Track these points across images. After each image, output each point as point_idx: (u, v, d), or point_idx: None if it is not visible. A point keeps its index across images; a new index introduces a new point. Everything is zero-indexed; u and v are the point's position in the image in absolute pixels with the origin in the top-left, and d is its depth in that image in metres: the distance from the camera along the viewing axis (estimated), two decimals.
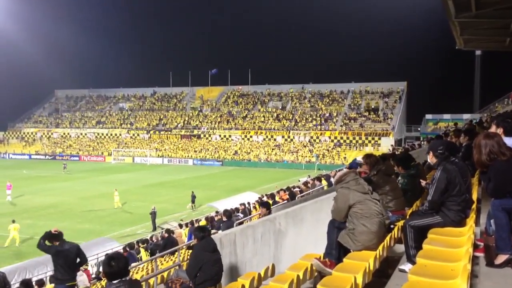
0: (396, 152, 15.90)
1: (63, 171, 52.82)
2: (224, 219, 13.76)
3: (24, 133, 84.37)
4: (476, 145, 4.21)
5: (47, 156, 73.13)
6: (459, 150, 7.12)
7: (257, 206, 19.05)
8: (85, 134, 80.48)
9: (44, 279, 15.05)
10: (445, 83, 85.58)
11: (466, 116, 54.25)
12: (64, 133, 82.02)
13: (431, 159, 5.14)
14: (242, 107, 77.59)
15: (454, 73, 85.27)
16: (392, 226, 5.94)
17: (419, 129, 64.84)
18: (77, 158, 70.70)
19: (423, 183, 6.13)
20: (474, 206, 5.08)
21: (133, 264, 12.96)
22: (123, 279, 3.59)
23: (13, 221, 23.69)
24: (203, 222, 19.32)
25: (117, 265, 3.59)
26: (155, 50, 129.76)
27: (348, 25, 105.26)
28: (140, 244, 16.83)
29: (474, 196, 5.45)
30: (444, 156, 5.00)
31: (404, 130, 66.75)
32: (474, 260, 4.10)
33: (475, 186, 5.95)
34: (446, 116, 64.81)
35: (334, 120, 68.91)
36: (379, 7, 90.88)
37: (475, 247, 4.33)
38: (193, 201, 32.00)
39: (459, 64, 73.93)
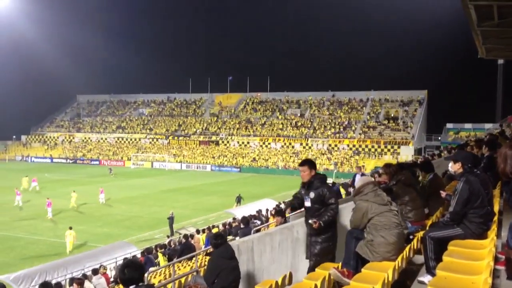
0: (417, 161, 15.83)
1: (110, 175, 54.10)
2: (242, 226, 13.79)
3: (46, 137, 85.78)
4: (501, 155, 4.14)
5: (68, 160, 74.17)
6: (480, 162, 7.04)
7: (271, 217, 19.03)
8: (106, 138, 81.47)
9: (64, 281, 15.27)
10: (466, 92, 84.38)
11: (488, 125, 53.42)
12: (85, 138, 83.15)
13: (457, 169, 5.03)
14: (260, 114, 77.70)
15: (476, 82, 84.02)
16: (411, 237, 5.90)
17: (439, 138, 64.04)
18: (97, 162, 71.53)
19: (443, 194, 6.06)
20: (495, 218, 5.01)
21: (151, 269, 13.04)
22: (139, 284, 3.65)
23: (70, 228, 23.42)
24: (215, 230, 19.41)
25: (131, 273, 3.66)
26: (175, 57, 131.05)
27: (369, 33, 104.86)
28: (158, 249, 16.94)
29: (496, 208, 5.38)
30: (470, 168, 4.94)
31: (424, 139, 66.00)
32: (495, 273, 4.05)
33: (496, 198, 5.87)
34: (468, 125, 63.94)
35: (353, 128, 68.52)
36: (400, 16, 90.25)
37: (496, 260, 4.28)
38: (239, 201, 33.06)
39: (481, 73, 72.87)
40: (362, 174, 15.80)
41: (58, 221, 28.88)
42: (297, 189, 6.57)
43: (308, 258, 6.42)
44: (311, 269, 6.06)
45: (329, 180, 14.02)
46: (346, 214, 6.45)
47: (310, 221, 5.95)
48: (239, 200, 33.87)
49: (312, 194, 6.13)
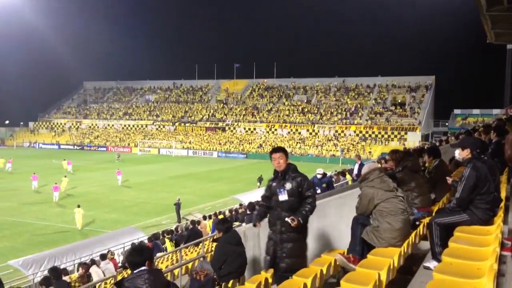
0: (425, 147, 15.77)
1: (117, 160, 55.59)
2: (248, 212, 13.84)
3: (53, 123, 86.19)
4: (508, 141, 4.11)
5: (75, 146, 74.59)
6: (488, 148, 6.99)
7: None
8: (112, 125, 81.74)
9: (72, 266, 15.45)
10: (474, 77, 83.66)
11: (496, 111, 53.06)
12: (92, 124, 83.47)
13: (466, 155, 4.97)
14: (267, 100, 77.53)
15: (484, 67, 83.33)
16: (417, 223, 5.89)
17: (447, 124, 63.68)
18: (104, 149, 71.87)
19: (450, 180, 6.03)
20: (502, 204, 4.99)
21: (158, 254, 13.16)
22: (145, 268, 3.69)
23: (78, 206, 25.02)
24: (221, 216, 19.50)
25: (138, 256, 3.71)
26: (181, 43, 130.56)
27: (376, 19, 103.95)
28: (165, 235, 17.05)
29: (503, 194, 5.35)
30: (478, 154, 4.90)
31: (431, 125, 65.65)
32: (501, 259, 4.04)
33: (503, 184, 5.84)
34: (475, 111, 63.51)
35: (360, 114, 68.25)
36: (408, 1, 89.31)
37: (502, 246, 4.27)
38: (260, 181, 34.87)
39: (489, 58, 72.17)
40: (361, 164, 15.80)
41: (66, 207, 29.11)
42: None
43: (271, 265, 5.64)
44: (283, 277, 5.39)
45: (320, 171, 13.79)
46: (352, 200, 6.44)
47: (287, 219, 5.19)
48: (260, 180, 34.63)
49: (288, 185, 5.41)
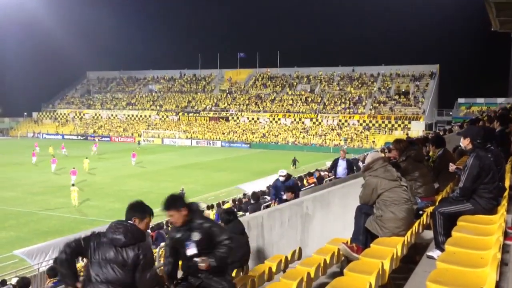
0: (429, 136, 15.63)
1: (138, 147, 58.74)
2: (252, 201, 13.86)
3: (57, 113, 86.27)
4: None
5: (79, 137, 74.76)
6: (494, 136, 6.94)
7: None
8: (116, 115, 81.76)
9: None
10: (479, 66, 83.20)
11: (500, 100, 52.73)
12: (95, 114, 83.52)
13: (467, 144, 4.99)
14: (270, 89, 77.36)
15: (489, 56, 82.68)
16: (420, 212, 5.90)
17: (451, 113, 63.43)
18: (108, 139, 72.02)
19: (453, 167, 5.97)
20: (506, 193, 4.99)
21: (162, 244, 13.21)
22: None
23: (73, 185, 28.12)
24: (228, 205, 19.55)
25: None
26: (184, 32, 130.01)
27: (379, 7, 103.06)
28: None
29: (507, 183, 5.35)
30: (480, 144, 4.89)
31: (435, 114, 65.41)
32: (504, 248, 4.05)
33: (508, 173, 5.83)
34: (480, 100, 63.19)
35: (363, 103, 68.04)
36: None
37: (506, 235, 4.27)
38: (294, 164, 34.61)
39: (494, 46, 71.56)
40: (348, 160, 15.06)
41: (70, 197, 29.21)
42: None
43: None
44: None
45: (283, 172, 12.04)
46: (355, 189, 6.45)
47: (197, 259, 4.36)
48: (294, 162, 35.15)
49: (196, 235, 4.46)
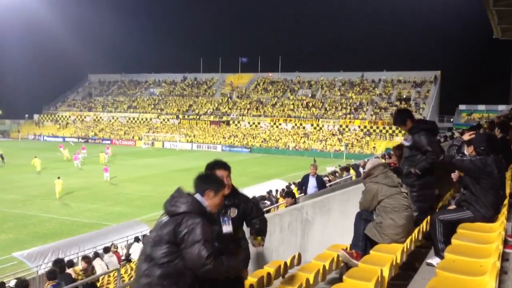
0: None
1: (151, 148, 62.16)
2: None
3: (58, 116, 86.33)
4: None
5: (80, 139, 74.75)
6: (498, 144, 6.92)
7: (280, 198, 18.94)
8: (117, 118, 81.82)
9: (76, 259, 15.53)
10: (480, 73, 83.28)
11: (502, 107, 52.79)
12: (96, 117, 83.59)
13: (470, 152, 4.99)
14: (271, 94, 77.41)
15: (490, 63, 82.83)
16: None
17: (452, 120, 63.46)
18: (108, 142, 72.00)
19: (455, 176, 5.94)
20: (506, 201, 4.98)
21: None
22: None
23: (58, 178, 29.52)
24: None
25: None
26: (186, 36, 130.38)
27: (381, 13, 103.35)
28: None
29: (507, 191, 5.34)
30: (484, 151, 4.89)
31: (436, 120, 65.38)
32: (503, 257, 4.04)
33: (508, 180, 5.82)
34: (481, 107, 63.26)
35: (364, 109, 68.07)
36: None
37: (506, 243, 4.27)
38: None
39: (495, 54, 71.72)
40: (318, 176, 12.89)
41: (70, 200, 29.23)
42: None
43: None
44: None
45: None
46: (355, 195, 6.44)
47: (250, 236, 4.30)
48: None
49: (234, 211, 4.27)
